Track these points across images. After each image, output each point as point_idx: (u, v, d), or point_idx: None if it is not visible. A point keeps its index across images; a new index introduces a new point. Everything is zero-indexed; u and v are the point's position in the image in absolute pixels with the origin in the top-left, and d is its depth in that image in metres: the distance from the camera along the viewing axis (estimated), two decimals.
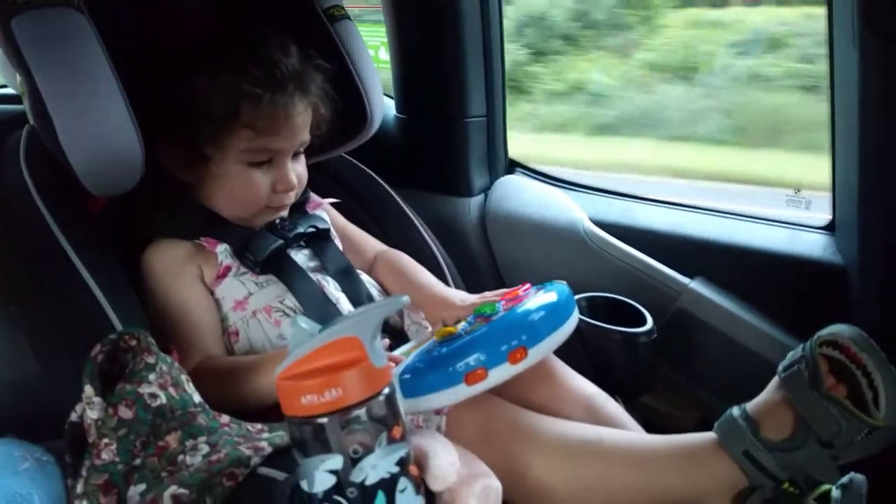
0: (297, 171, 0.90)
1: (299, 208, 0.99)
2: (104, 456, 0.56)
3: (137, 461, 0.57)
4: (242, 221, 0.90)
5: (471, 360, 0.67)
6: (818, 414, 0.64)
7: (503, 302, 0.79)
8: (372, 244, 1.05)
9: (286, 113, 0.83)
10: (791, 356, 0.70)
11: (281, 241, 0.90)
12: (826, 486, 0.67)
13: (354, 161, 1.17)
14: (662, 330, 1.02)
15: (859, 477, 0.66)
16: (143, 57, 0.81)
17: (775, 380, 0.70)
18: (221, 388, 0.72)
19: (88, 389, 0.61)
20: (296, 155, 0.90)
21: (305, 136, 0.90)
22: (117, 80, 0.74)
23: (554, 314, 0.73)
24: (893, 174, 0.89)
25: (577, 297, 0.99)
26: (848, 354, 0.67)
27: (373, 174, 1.16)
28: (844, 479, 0.66)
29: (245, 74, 0.80)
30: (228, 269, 0.87)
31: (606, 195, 1.31)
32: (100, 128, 0.73)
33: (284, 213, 0.93)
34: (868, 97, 0.88)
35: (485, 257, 1.32)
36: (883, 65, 0.85)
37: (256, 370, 0.76)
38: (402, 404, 0.68)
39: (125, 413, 0.59)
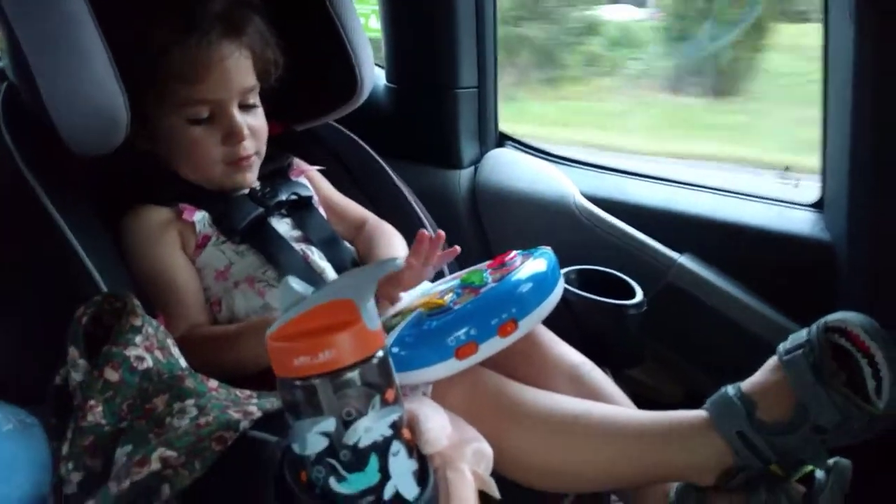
0: (250, 122, 0.86)
1: (282, 174, 0.97)
2: (90, 418, 0.56)
3: (124, 424, 0.56)
4: (214, 186, 0.87)
5: (461, 334, 0.67)
6: (818, 401, 0.64)
7: (490, 270, 0.78)
8: (359, 212, 1.03)
9: (210, 56, 0.80)
10: (794, 339, 0.69)
11: (261, 210, 0.88)
12: (809, 468, 0.67)
13: (345, 130, 1.15)
14: (651, 304, 1.01)
15: (844, 461, 0.66)
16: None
17: (774, 361, 0.69)
18: (206, 356, 0.70)
19: (73, 351, 0.60)
20: (246, 107, 0.87)
21: (247, 82, 0.85)
22: (101, 35, 0.72)
23: (542, 284, 0.72)
24: (886, 153, 0.89)
25: (567, 269, 0.99)
26: (856, 342, 0.65)
27: (364, 144, 1.14)
28: (829, 463, 0.66)
29: (160, 23, 0.78)
30: (207, 238, 0.84)
31: (597, 170, 1.30)
32: (84, 84, 0.70)
33: (252, 174, 0.89)
34: (863, 73, 0.88)
35: (474, 230, 1.31)
36: (879, 39, 0.85)
37: (238, 338, 0.75)
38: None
39: (111, 375, 0.58)
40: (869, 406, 0.63)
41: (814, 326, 0.67)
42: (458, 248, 0.83)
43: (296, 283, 0.50)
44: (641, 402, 0.96)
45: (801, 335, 0.68)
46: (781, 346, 0.69)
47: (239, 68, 0.84)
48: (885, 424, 0.64)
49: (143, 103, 0.78)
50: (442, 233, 0.81)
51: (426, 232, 0.79)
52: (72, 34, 0.71)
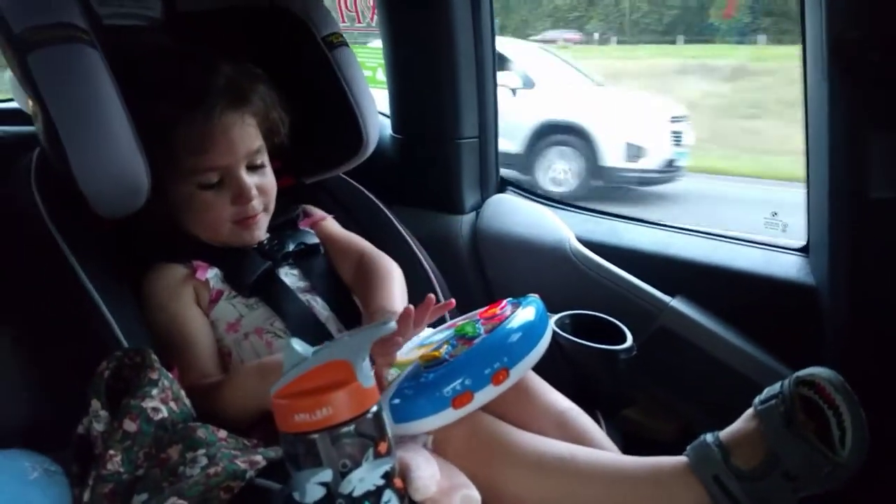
0: (258, 182, 0.91)
1: (292, 224, 1.02)
2: (110, 466, 0.61)
3: (141, 472, 0.61)
4: (224, 243, 0.92)
5: (457, 384, 0.71)
6: (788, 449, 0.68)
7: (482, 320, 0.83)
8: (357, 246, 1.05)
9: (215, 128, 0.85)
10: (768, 392, 0.73)
11: (269, 263, 0.93)
12: None
13: (349, 179, 1.21)
14: (645, 346, 1.05)
15: None
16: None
17: (750, 411, 0.73)
18: (211, 403, 0.75)
19: (95, 403, 0.65)
20: (254, 167, 0.91)
21: (253, 146, 0.90)
22: (125, 109, 0.78)
23: (531, 332, 0.77)
24: (861, 200, 0.93)
25: (560, 314, 1.03)
26: (822, 395, 0.70)
27: (367, 192, 1.21)
28: None
29: (166, 99, 0.84)
30: (220, 293, 0.90)
31: (593, 214, 1.35)
32: (110, 156, 0.76)
33: (259, 231, 0.93)
34: (837, 127, 0.93)
35: (476, 274, 1.36)
36: (850, 97, 0.90)
37: (235, 380, 0.79)
38: (392, 427, 0.73)
39: (129, 426, 0.63)
40: (833, 455, 0.67)
41: (786, 380, 0.72)
42: (452, 301, 0.87)
43: (298, 345, 0.55)
44: (636, 440, 0.99)
45: (775, 388, 0.72)
46: (757, 398, 0.73)
47: (244, 135, 0.89)
48: (850, 473, 0.67)
49: (154, 171, 0.83)
50: (432, 297, 0.83)
51: (411, 308, 0.81)
52: (98, 107, 0.77)
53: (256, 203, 0.91)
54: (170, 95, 0.84)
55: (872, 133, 0.89)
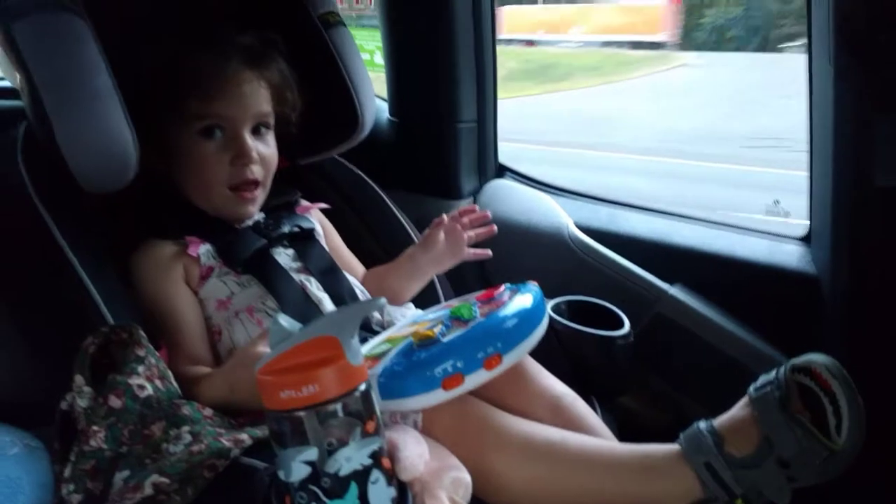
0: (261, 149, 0.90)
1: (287, 208, 1.01)
2: (92, 443, 0.59)
3: (124, 448, 0.60)
4: (215, 212, 0.91)
5: (448, 365, 0.69)
6: (782, 433, 0.66)
7: (479, 304, 0.81)
8: (356, 267, 1.05)
9: (228, 76, 0.85)
10: (763, 378, 0.72)
11: (264, 241, 0.91)
12: None
13: (347, 164, 1.19)
14: (641, 334, 1.04)
15: None
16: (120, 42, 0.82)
17: (745, 398, 0.72)
18: (189, 394, 0.72)
19: (79, 379, 0.64)
20: (258, 132, 0.90)
21: (262, 108, 0.90)
22: (113, 80, 0.76)
23: (527, 320, 0.75)
24: (865, 188, 0.92)
25: (557, 300, 1.02)
26: (818, 381, 0.68)
27: (364, 177, 1.19)
28: None
29: (189, 42, 0.84)
30: (211, 269, 0.88)
31: (592, 201, 1.34)
32: (97, 129, 0.75)
33: (253, 207, 0.92)
34: (842, 112, 0.91)
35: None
36: (855, 82, 0.88)
37: (200, 387, 0.75)
38: (380, 404, 0.71)
39: (115, 402, 0.61)
40: (829, 441, 0.65)
41: (781, 367, 0.70)
42: (494, 227, 0.99)
43: (284, 321, 0.53)
44: (631, 428, 0.98)
45: (770, 375, 0.70)
46: (752, 386, 0.71)
47: (255, 94, 0.88)
48: (845, 463, 0.65)
49: (160, 117, 0.82)
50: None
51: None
52: (86, 78, 0.75)
53: (256, 168, 0.89)
54: (190, 39, 0.84)
55: (879, 118, 0.87)
